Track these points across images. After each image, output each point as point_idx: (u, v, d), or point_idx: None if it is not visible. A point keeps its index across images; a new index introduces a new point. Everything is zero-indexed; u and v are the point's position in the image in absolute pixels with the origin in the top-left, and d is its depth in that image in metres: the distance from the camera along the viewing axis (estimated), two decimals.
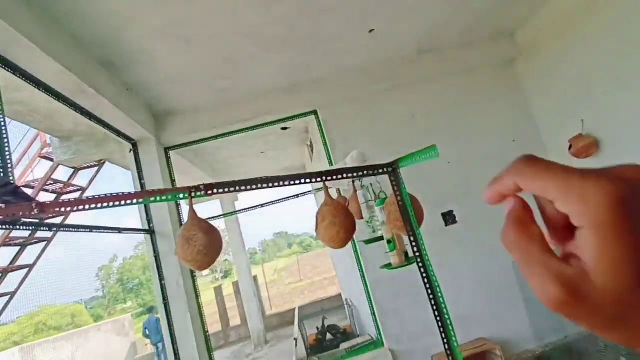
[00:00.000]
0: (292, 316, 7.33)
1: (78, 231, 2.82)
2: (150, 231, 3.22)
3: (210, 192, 1.44)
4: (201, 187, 1.44)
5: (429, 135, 3.67)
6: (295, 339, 4.24)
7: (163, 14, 2.20)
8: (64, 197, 4.20)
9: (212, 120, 3.51)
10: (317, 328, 5.15)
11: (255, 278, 8.48)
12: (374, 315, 3.49)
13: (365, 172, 1.52)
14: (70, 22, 2.10)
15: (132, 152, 3.30)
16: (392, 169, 1.59)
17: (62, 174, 4.21)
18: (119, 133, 3.09)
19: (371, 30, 3.00)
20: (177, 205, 3.55)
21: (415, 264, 2.06)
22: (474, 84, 3.78)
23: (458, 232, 3.55)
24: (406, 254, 2.01)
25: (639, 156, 2.85)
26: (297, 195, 3.95)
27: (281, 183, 1.47)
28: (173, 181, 3.59)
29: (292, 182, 1.43)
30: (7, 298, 4.02)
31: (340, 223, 1.43)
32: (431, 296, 1.50)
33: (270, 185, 1.49)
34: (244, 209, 3.69)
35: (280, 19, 2.52)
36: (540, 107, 3.70)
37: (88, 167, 4.25)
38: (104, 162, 4.18)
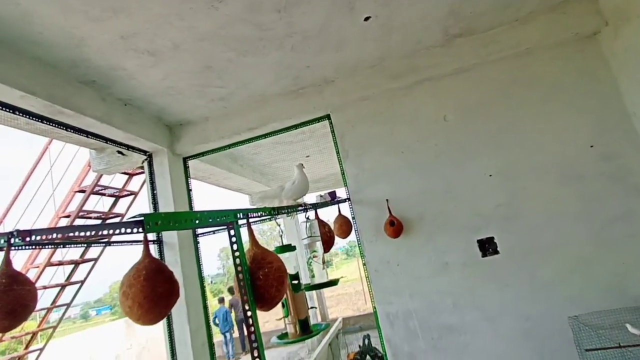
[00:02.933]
0: (344, 324, 7.03)
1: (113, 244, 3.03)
2: (158, 241, 3.29)
3: (27, 239, 1.27)
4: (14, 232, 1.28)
5: (465, 141, 2.92)
6: None
7: (106, 29, 2.11)
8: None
9: (219, 130, 3.39)
10: (359, 346, 4.73)
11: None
12: (385, 355, 2.95)
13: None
14: (30, 48, 2.17)
15: (145, 163, 3.42)
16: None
17: (119, 180, 4.66)
18: (127, 147, 3.21)
19: (367, 18, 2.46)
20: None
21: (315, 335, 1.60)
22: (530, 72, 2.85)
23: (499, 266, 2.76)
24: (304, 323, 1.53)
25: None
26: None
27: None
28: (189, 190, 3.61)
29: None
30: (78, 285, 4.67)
31: (133, 295, 1.09)
32: None
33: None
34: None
35: (238, 19, 2.21)
36: (638, 97, 2.60)
37: (140, 173, 4.61)
38: None
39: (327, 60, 2.86)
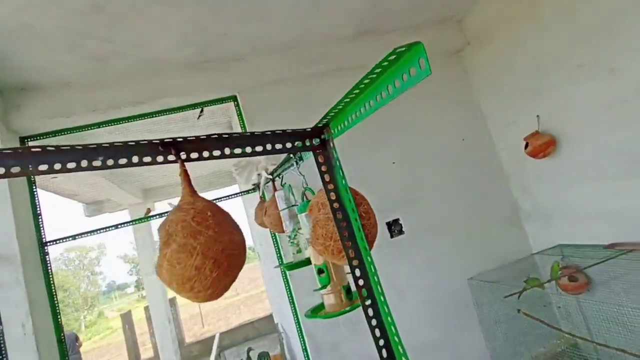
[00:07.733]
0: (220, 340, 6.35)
1: None
2: None
3: None
4: None
5: (373, 129, 3.11)
6: None
7: None
8: None
9: (91, 100, 2.60)
10: None
11: (173, 300, 7.30)
12: (305, 352, 2.77)
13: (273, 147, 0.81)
14: None
15: None
16: (319, 139, 0.93)
17: None
18: None
19: None
20: (37, 215, 2.58)
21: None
22: None
23: (405, 245, 3.00)
24: (347, 290, 1.35)
25: (599, 156, 2.51)
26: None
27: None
28: (32, 183, 2.61)
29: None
30: None
31: (204, 249, 0.68)
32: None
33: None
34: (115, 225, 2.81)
35: None
36: (490, 102, 3.32)
37: None
38: None
39: (247, 31, 2.58)
